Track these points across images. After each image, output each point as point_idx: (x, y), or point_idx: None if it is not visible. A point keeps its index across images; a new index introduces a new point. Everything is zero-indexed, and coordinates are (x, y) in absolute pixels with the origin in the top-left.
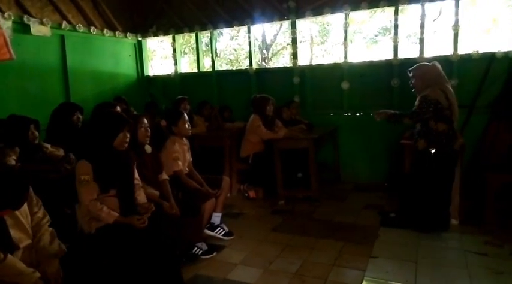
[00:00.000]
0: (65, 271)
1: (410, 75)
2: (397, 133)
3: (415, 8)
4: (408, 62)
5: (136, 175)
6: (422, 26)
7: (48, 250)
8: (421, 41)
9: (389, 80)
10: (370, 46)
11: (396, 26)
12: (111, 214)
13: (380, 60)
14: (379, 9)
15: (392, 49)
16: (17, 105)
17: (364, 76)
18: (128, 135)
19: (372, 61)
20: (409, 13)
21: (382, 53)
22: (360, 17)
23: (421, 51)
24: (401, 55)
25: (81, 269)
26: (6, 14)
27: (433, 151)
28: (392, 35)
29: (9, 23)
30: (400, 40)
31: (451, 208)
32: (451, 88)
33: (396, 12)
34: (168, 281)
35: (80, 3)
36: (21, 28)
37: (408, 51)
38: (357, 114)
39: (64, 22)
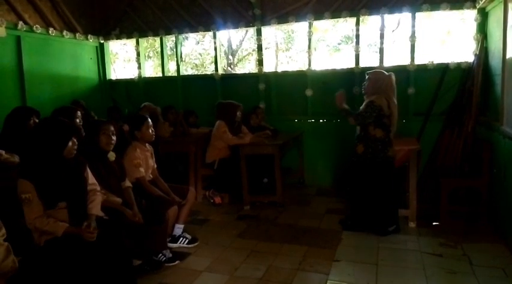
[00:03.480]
0: None
1: (366, 77)
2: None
3: (375, 19)
4: (369, 70)
5: (92, 179)
6: (382, 37)
7: (0, 267)
8: (381, 50)
9: (351, 88)
10: (333, 54)
11: (357, 36)
12: (60, 226)
13: (342, 69)
14: (341, 19)
15: (354, 58)
16: None
17: (326, 84)
18: (76, 142)
19: (334, 69)
20: (370, 23)
21: (345, 60)
22: (324, 26)
23: (381, 60)
24: (363, 64)
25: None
26: None
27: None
28: (354, 43)
29: None
30: (361, 49)
31: (409, 212)
32: (395, 100)
33: (357, 23)
34: None
35: (38, 3)
36: None
37: (369, 60)
38: (321, 121)
39: (20, 22)
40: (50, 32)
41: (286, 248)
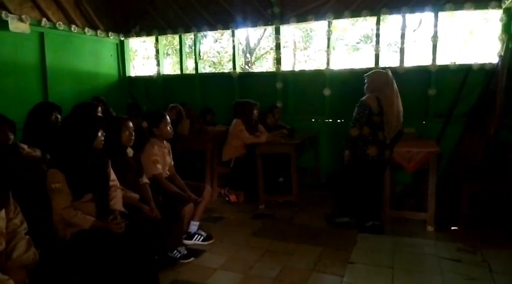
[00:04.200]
0: (32, 280)
1: (365, 80)
2: None
3: (396, 18)
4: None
5: (113, 176)
6: (402, 36)
7: (22, 259)
8: (401, 50)
9: None
10: (352, 53)
11: (377, 35)
12: (87, 219)
13: (361, 68)
14: (361, 18)
15: (374, 57)
16: None
17: (345, 84)
18: (104, 134)
19: (353, 69)
20: (390, 22)
21: (364, 60)
22: (343, 25)
23: (401, 60)
24: (382, 63)
25: (52, 276)
26: None
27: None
28: (373, 43)
29: None
30: (381, 49)
31: (427, 216)
32: (393, 97)
33: (378, 22)
34: None
35: (61, 1)
36: None
37: (389, 59)
38: (338, 121)
39: (44, 19)
40: (72, 28)
41: (301, 249)
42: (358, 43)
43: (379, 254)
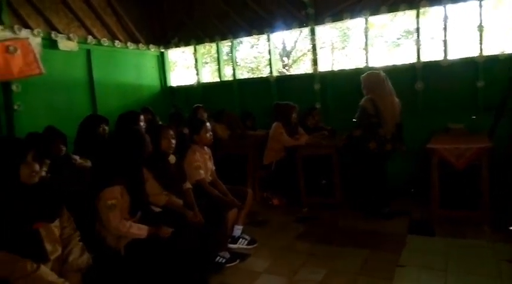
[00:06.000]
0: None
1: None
2: (422, 138)
3: (437, 9)
4: (431, 65)
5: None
6: (445, 28)
7: (77, 263)
8: (445, 43)
9: (413, 84)
10: (392, 50)
11: (418, 29)
12: (142, 228)
13: (402, 64)
14: (399, 12)
15: (416, 52)
16: (46, 118)
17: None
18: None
19: (393, 65)
20: (432, 15)
21: (406, 56)
22: (381, 21)
23: (445, 53)
24: (425, 58)
25: (106, 281)
26: (35, 31)
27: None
28: (415, 37)
29: (39, 40)
30: (423, 43)
31: (482, 215)
32: (385, 96)
33: (417, 15)
34: None
35: (104, 18)
36: (49, 44)
37: (433, 53)
38: None
39: (89, 37)
40: (116, 43)
41: (346, 252)
42: (399, 39)
43: (430, 257)
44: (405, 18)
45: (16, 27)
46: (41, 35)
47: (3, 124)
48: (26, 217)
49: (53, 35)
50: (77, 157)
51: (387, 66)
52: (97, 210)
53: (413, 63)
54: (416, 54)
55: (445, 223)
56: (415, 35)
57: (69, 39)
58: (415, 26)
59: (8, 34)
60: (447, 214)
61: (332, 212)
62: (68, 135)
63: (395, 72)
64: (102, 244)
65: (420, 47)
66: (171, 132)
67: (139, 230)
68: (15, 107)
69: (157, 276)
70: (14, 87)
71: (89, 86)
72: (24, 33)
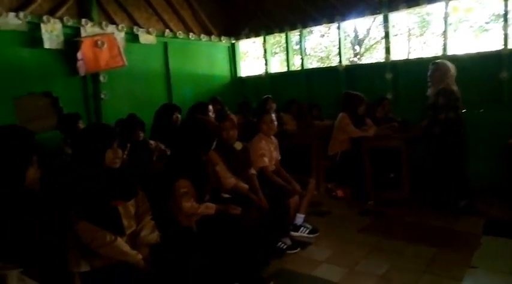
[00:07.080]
0: (154, 256)
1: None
2: (506, 133)
3: None
4: None
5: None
6: None
7: (147, 239)
8: None
9: (498, 73)
10: (480, 35)
11: (506, 13)
12: (210, 207)
13: (486, 52)
14: None
15: (503, 38)
16: (127, 106)
17: (466, 70)
18: None
19: (476, 53)
20: None
21: (494, 42)
22: (466, 4)
23: None
24: None
25: (170, 258)
26: (119, 26)
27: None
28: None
29: (122, 34)
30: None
31: None
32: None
33: None
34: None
35: (181, 12)
36: (131, 38)
37: None
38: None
39: (167, 30)
40: (190, 36)
41: (412, 248)
42: (487, 23)
43: (508, 260)
44: (496, 0)
45: (103, 23)
46: (125, 29)
47: (92, 111)
48: (107, 195)
49: (135, 29)
50: (152, 142)
51: (468, 54)
52: (172, 192)
53: (499, 50)
54: (503, 41)
55: None
56: (502, 19)
57: (148, 33)
58: (504, 9)
59: (96, 30)
60: None
61: (398, 207)
62: (146, 122)
63: (478, 60)
64: (174, 220)
65: (507, 32)
66: (229, 124)
67: (207, 208)
68: (102, 96)
69: (224, 252)
70: (101, 78)
71: (165, 76)
72: (110, 28)
